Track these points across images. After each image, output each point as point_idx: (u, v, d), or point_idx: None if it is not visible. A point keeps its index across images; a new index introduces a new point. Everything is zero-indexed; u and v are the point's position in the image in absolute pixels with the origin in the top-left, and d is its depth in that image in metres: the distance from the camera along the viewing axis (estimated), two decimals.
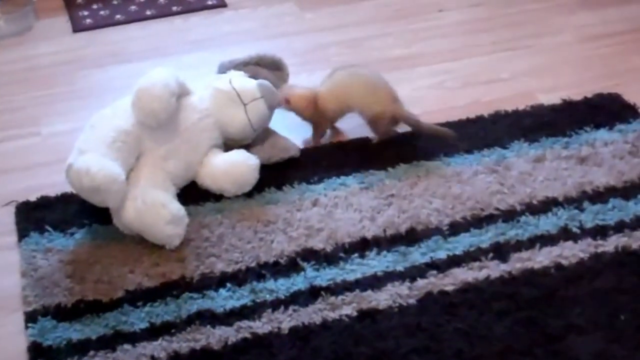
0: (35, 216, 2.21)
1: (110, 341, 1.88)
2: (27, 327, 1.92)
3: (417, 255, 2.07)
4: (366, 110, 2.38)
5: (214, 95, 2.33)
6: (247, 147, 2.34)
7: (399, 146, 2.40)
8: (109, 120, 2.19)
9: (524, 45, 2.84)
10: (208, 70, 2.46)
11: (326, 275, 2.03)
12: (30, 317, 1.94)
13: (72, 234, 2.15)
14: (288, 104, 2.39)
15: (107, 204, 2.08)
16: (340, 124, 2.48)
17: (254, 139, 2.38)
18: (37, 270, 2.06)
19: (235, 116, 2.31)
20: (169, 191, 2.15)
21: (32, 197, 2.27)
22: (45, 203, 2.25)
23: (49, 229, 2.17)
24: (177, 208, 2.10)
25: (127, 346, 1.87)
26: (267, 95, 2.33)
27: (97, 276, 2.03)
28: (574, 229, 2.12)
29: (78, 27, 3.06)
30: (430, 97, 2.61)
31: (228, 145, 2.35)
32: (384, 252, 2.08)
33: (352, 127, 2.48)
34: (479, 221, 2.15)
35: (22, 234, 2.16)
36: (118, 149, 2.13)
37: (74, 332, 1.90)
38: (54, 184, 2.24)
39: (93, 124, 2.19)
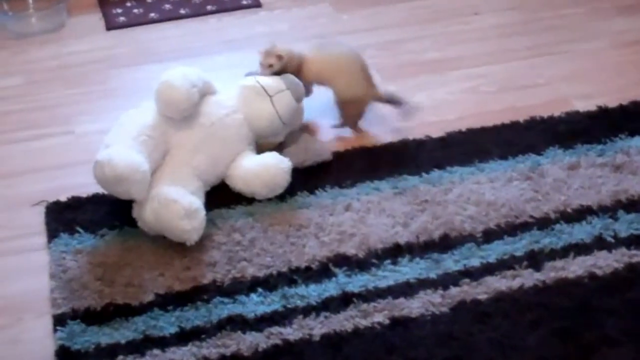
0: (66, 217, 2.20)
1: (140, 346, 1.87)
2: (55, 331, 1.91)
3: (450, 262, 2.04)
4: (344, 92, 2.41)
5: (240, 92, 2.33)
6: (280, 150, 2.32)
7: (432, 151, 2.38)
8: (135, 117, 2.21)
9: (559, 50, 2.81)
10: (240, 71, 2.44)
11: (358, 282, 2.00)
12: (59, 321, 1.93)
13: (102, 236, 2.14)
14: (280, 59, 2.37)
15: (131, 194, 2.07)
16: (373, 128, 2.46)
17: (287, 141, 2.37)
18: (67, 272, 2.05)
19: (262, 109, 2.30)
20: (188, 187, 2.13)
21: (63, 197, 2.26)
22: (75, 203, 2.24)
23: (79, 229, 2.16)
24: (189, 201, 2.07)
25: (156, 351, 1.86)
26: (293, 87, 2.33)
27: (127, 279, 2.02)
28: (608, 238, 2.09)
29: (111, 25, 3.05)
30: (465, 101, 2.58)
31: (260, 145, 2.34)
32: (417, 259, 2.06)
33: (385, 131, 2.46)
34: (513, 229, 2.13)
35: (52, 234, 2.16)
36: (143, 142, 2.13)
37: (103, 336, 1.89)
38: (85, 184, 2.23)
39: (121, 122, 2.20)
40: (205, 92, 2.28)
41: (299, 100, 2.35)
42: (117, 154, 2.05)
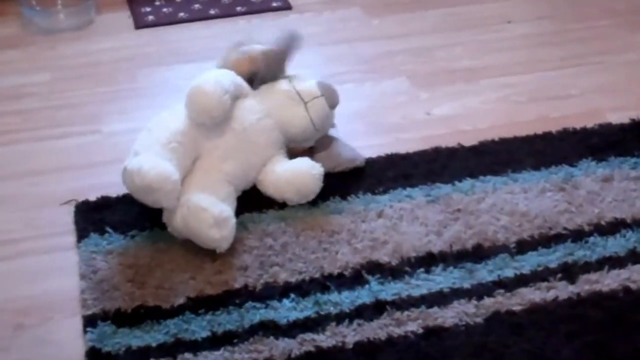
0: (95, 217, 2.18)
1: (171, 349, 1.85)
2: (85, 332, 1.89)
3: (484, 272, 2.02)
4: None
5: (273, 96, 2.30)
6: (311, 154, 2.30)
7: (465, 160, 2.36)
8: (165, 122, 2.17)
9: (592, 61, 2.78)
10: None
11: (391, 290, 1.98)
12: (90, 321, 1.91)
13: (132, 237, 2.12)
14: (253, 64, 2.29)
15: (161, 203, 2.05)
16: (404, 135, 2.44)
17: (319, 146, 2.34)
18: (97, 273, 2.03)
19: (296, 115, 2.28)
20: (218, 194, 2.11)
21: (92, 197, 2.24)
22: (105, 203, 2.22)
23: (109, 230, 2.14)
24: (219, 210, 2.04)
25: (188, 355, 1.83)
26: (328, 94, 2.30)
27: (158, 281, 2.00)
28: None
29: (140, 24, 3.03)
30: (498, 110, 2.56)
31: (291, 150, 2.32)
32: (450, 268, 2.04)
33: (417, 138, 2.44)
34: (546, 240, 2.10)
35: (82, 234, 2.13)
36: (173, 149, 2.10)
37: (134, 338, 1.87)
38: (114, 184, 2.19)
39: (150, 127, 2.17)
40: (237, 95, 2.25)
41: (332, 106, 2.32)
42: (147, 162, 2.02)
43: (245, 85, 2.29)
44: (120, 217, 2.18)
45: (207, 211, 2.03)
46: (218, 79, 2.18)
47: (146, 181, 2.00)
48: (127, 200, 2.19)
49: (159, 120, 2.19)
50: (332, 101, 2.31)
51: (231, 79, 2.22)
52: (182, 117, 2.18)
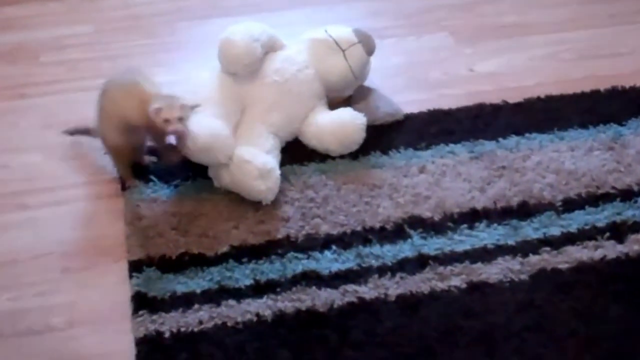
0: (139, 165, 2.18)
1: (215, 296, 1.85)
2: (131, 277, 1.90)
3: (529, 230, 2.00)
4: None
5: (311, 46, 2.29)
6: (349, 104, 2.28)
7: (510, 117, 2.33)
8: (206, 80, 2.19)
9: None
10: (310, 28, 2.39)
11: (434, 245, 1.97)
12: (135, 267, 1.91)
13: (176, 186, 2.12)
14: (185, 110, 1.99)
15: (220, 161, 2.05)
16: (447, 91, 2.41)
17: (357, 97, 2.32)
18: (142, 220, 2.03)
19: (335, 63, 2.27)
20: (263, 146, 2.11)
21: None
22: (149, 153, 2.21)
23: (154, 179, 2.13)
24: (263, 162, 2.04)
25: (232, 302, 1.84)
26: (365, 40, 2.28)
27: (201, 230, 2.00)
28: None
29: None
30: (544, 68, 2.52)
31: (330, 100, 2.30)
32: (494, 225, 2.02)
33: (460, 94, 2.41)
34: (594, 199, 2.08)
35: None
36: (218, 104, 2.11)
37: (179, 284, 1.88)
38: None
39: (193, 88, 2.16)
40: (272, 47, 2.25)
41: (370, 53, 2.30)
42: (196, 125, 2.01)
43: (278, 36, 2.29)
44: (164, 166, 2.17)
45: (251, 163, 2.02)
46: (247, 28, 2.18)
47: (199, 144, 2.00)
48: None
49: (200, 79, 2.20)
50: (370, 47, 2.29)
51: (262, 29, 2.22)
52: (221, 74, 2.19)
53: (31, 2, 2.87)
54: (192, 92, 2.14)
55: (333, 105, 2.28)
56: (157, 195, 2.09)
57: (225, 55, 2.16)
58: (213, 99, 2.12)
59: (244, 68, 2.16)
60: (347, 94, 2.33)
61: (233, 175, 2.04)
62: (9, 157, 2.24)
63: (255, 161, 2.03)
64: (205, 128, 2.02)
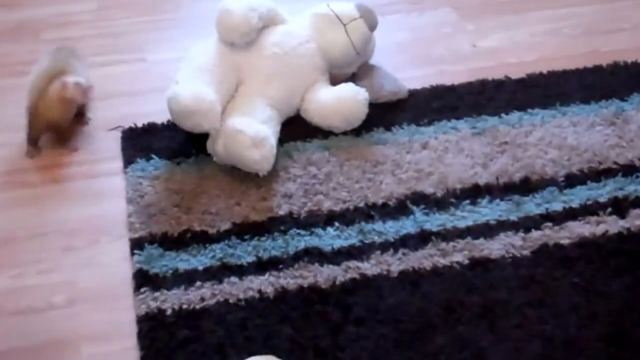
0: (141, 143, 2.18)
1: (217, 273, 1.85)
2: (132, 254, 1.90)
3: (532, 205, 2.00)
4: None
5: (313, 21, 2.29)
6: (353, 81, 2.28)
7: (512, 92, 2.33)
8: (203, 49, 2.19)
9: None
10: (312, 4, 2.37)
11: (436, 221, 1.97)
12: (137, 244, 1.91)
13: (178, 163, 2.12)
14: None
15: (203, 126, 2.04)
16: (450, 68, 2.40)
17: (361, 74, 2.32)
18: (144, 197, 2.03)
19: (336, 38, 2.26)
20: (258, 117, 2.10)
21: (138, 123, 2.24)
22: (151, 130, 2.23)
23: (155, 156, 2.14)
24: (255, 130, 2.03)
25: (234, 279, 1.84)
26: (366, 15, 2.28)
27: (204, 207, 2.00)
28: None
29: None
30: (547, 43, 2.52)
31: (334, 77, 2.30)
32: (497, 201, 2.02)
33: (462, 70, 2.40)
34: (596, 174, 2.08)
35: (128, 160, 2.14)
36: (211, 72, 2.11)
37: (181, 261, 1.88)
38: (159, 112, 2.19)
39: (190, 57, 2.18)
40: (272, 20, 2.25)
41: (372, 28, 2.29)
42: (182, 88, 2.03)
43: (280, 11, 2.29)
44: (166, 143, 2.18)
45: (243, 132, 2.02)
46: (246, 0, 2.19)
47: (182, 105, 2.01)
48: (172, 127, 2.19)
49: (198, 49, 2.20)
50: (371, 22, 2.28)
51: (261, 1, 2.22)
52: (217, 43, 2.20)
53: None
54: (188, 59, 2.16)
55: (336, 82, 2.27)
56: (159, 173, 2.09)
57: (222, 24, 2.18)
58: (207, 67, 2.13)
59: (240, 37, 2.17)
60: (350, 71, 2.33)
61: (227, 146, 2.04)
62: (9, 135, 2.24)
63: (248, 130, 2.02)
64: (191, 91, 2.02)
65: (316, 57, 2.26)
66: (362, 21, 2.27)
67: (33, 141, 2.18)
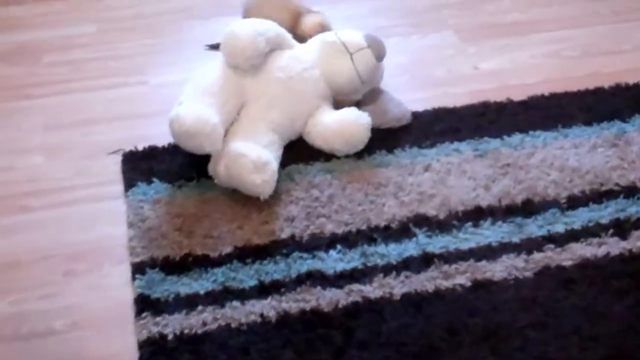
0: (142, 166, 2.18)
1: (219, 297, 1.85)
2: (134, 279, 1.89)
3: (534, 227, 2.00)
4: None
5: (319, 48, 2.30)
6: (358, 107, 2.27)
7: (514, 115, 2.33)
8: (208, 71, 2.19)
9: None
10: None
11: (439, 243, 1.97)
12: (138, 269, 1.91)
13: (179, 187, 2.12)
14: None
15: (204, 148, 2.05)
16: (451, 90, 2.40)
17: (366, 99, 2.32)
18: (145, 222, 2.03)
19: (341, 66, 2.27)
20: (260, 141, 2.10)
21: (139, 147, 2.24)
22: (152, 153, 2.22)
23: (156, 179, 2.14)
24: (258, 155, 2.03)
25: (236, 303, 1.83)
26: (374, 45, 2.28)
27: (205, 231, 2.00)
28: None
29: None
30: (548, 65, 2.52)
31: (338, 103, 2.30)
32: (499, 223, 2.01)
33: (464, 92, 2.41)
34: (598, 196, 2.08)
35: (129, 183, 2.14)
36: (214, 94, 2.11)
37: (182, 286, 1.87)
38: (161, 135, 2.19)
39: (193, 77, 2.18)
40: (279, 44, 2.25)
41: (379, 59, 2.30)
42: (185, 109, 2.03)
43: (288, 36, 2.30)
44: (167, 167, 2.18)
45: (246, 157, 2.02)
46: (253, 23, 2.20)
47: (184, 127, 2.01)
48: (173, 151, 2.19)
49: (203, 70, 2.21)
50: (379, 53, 2.29)
51: (269, 26, 2.23)
52: (222, 65, 2.20)
53: (34, 1, 2.87)
54: (192, 80, 2.16)
55: (342, 107, 2.27)
56: (160, 196, 2.09)
57: (229, 47, 2.18)
58: (211, 89, 2.13)
59: (246, 60, 2.17)
60: (355, 98, 2.33)
61: (229, 170, 2.04)
62: (12, 159, 2.25)
63: (250, 154, 2.03)
64: (194, 113, 2.02)
65: (320, 83, 2.26)
66: (369, 51, 2.27)
67: None
